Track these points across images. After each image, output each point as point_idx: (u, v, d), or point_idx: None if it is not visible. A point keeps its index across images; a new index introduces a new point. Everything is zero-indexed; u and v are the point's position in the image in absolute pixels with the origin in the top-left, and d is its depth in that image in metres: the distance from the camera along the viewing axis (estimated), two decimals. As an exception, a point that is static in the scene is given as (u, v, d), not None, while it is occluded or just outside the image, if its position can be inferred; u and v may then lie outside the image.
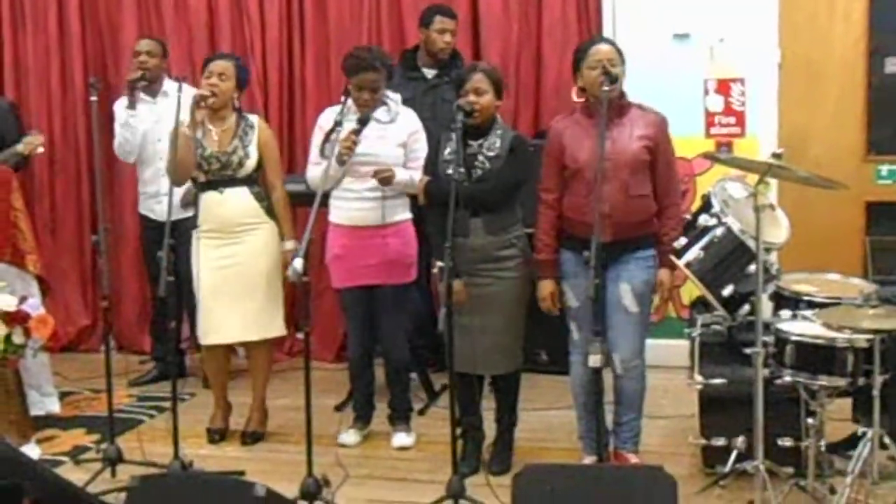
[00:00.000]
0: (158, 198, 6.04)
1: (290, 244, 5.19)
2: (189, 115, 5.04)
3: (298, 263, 4.29)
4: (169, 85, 6.08)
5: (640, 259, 4.56)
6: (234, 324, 5.22)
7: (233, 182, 5.17)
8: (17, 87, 7.13)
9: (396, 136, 5.10)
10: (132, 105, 5.98)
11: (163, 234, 4.78)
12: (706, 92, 6.17)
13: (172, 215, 4.86)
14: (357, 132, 4.90)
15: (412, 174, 5.01)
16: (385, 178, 4.96)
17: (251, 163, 5.18)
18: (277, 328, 5.33)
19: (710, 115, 6.18)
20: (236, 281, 5.16)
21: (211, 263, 5.17)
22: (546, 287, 4.64)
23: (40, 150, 5.99)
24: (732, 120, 6.15)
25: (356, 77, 5.02)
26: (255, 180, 5.23)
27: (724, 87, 6.15)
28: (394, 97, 5.19)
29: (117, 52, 7.01)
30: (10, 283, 5.43)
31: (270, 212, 5.23)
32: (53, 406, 5.82)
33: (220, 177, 5.16)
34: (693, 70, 6.16)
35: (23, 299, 5.11)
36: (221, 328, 5.23)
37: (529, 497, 3.34)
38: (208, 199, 5.18)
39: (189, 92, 5.17)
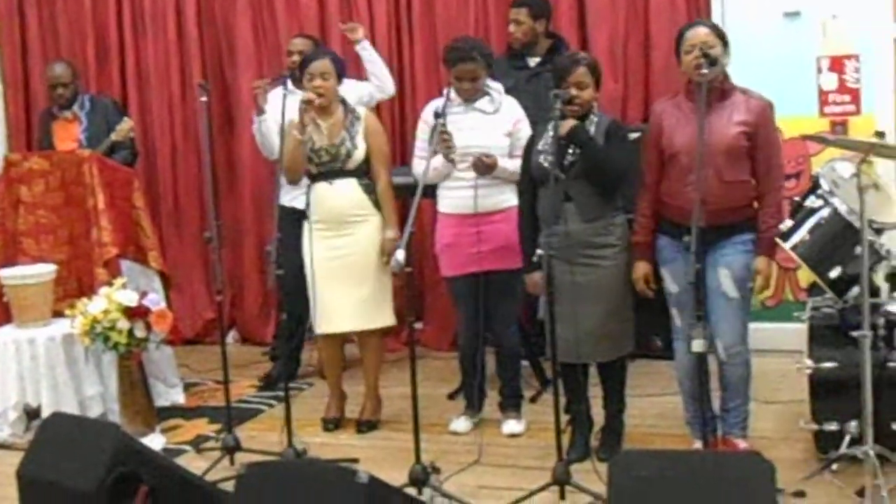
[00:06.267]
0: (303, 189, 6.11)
1: (390, 232, 5.27)
2: (298, 117, 5.13)
3: (400, 255, 4.34)
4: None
5: (737, 244, 4.49)
6: (345, 314, 5.31)
7: (342, 174, 5.25)
8: (139, 91, 7.41)
9: (502, 125, 5.16)
10: (260, 111, 5.97)
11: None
12: (819, 70, 6.05)
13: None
14: (444, 130, 4.91)
15: (516, 163, 5.04)
16: (485, 167, 5.02)
17: (359, 154, 5.25)
18: (387, 318, 5.40)
19: (823, 94, 6.06)
20: (346, 272, 5.25)
21: (322, 254, 5.27)
22: (640, 268, 4.63)
23: (131, 134, 6.19)
24: (847, 98, 6.02)
25: (455, 68, 5.11)
26: (365, 172, 5.31)
27: (837, 64, 6.01)
28: (496, 87, 5.23)
29: (233, 52, 7.21)
30: (134, 279, 5.65)
31: (378, 204, 5.30)
32: (178, 397, 6.04)
33: (329, 168, 5.25)
34: (805, 48, 6.05)
35: (143, 294, 5.30)
36: (334, 318, 5.33)
37: (625, 483, 3.34)
38: (319, 190, 5.28)
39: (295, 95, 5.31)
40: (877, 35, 5.95)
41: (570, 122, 4.60)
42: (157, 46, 7.33)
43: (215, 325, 7.39)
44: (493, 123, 5.16)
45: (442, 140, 4.93)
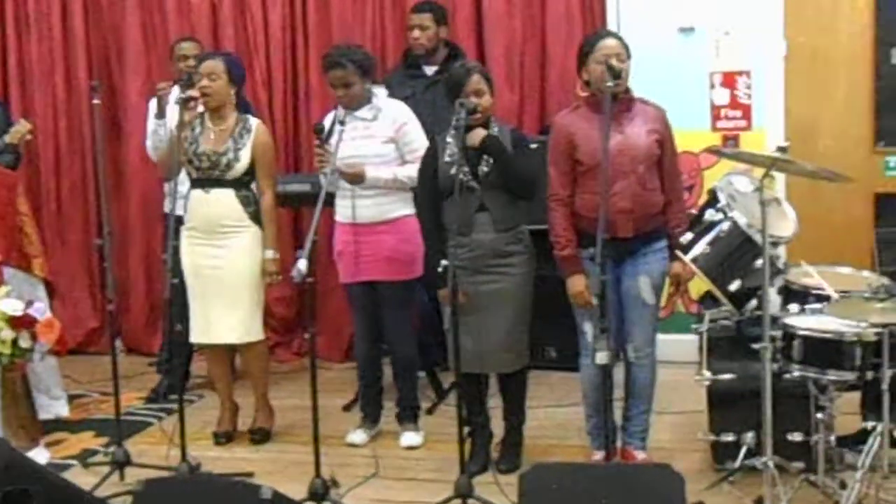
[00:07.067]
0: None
1: (270, 253, 5.17)
2: (178, 115, 5.03)
3: (303, 264, 4.27)
4: None
5: (657, 251, 4.58)
6: (217, 326, 5.22)
7: (220, 183, 5.14)
8: (22, 91, 7.12)
9: (381, 132, 5.08)
10: (161, 114, 5.78)
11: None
12: (712, 85, 6.14)
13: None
14: (318, 145, 4.85)
15: (400, 171, 5.01)
16: (349, 176, 4.95)
17: (240, 166, 5.13)
18: (255, 334, 5.28)
19: (716, 109, 6.15)
20: (218, 284, 5.15)
21: (195, 261, 5.18)
22: (578, 282, 4.54)
23: (28, 137, 5.88)
24: (739, 113, 6.12)
25: (327, 75, 5.07)
26: (245, 184, 5.18)
27: (729, 80, 6.12)
28: (378, 92, 5.17)
29: (121, 55, 7.00)
30: (17, 287, 5.41)
31: (255, 217, 5.17)
32: (62, 409, 5.82)
33: (208, 175, 5.13)
34: (699, 63, 6.13)
35: (29, 303, 5.10)
36: (207, 329, 5.24)
37: (536, 496, 3.33)
38: (195, 196, 5.17)
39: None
40: (768, 52, 6.06)
41: (480, 132, 4.58)
42: (41, 46, 7.05)
43: (99, 335, 7.20)
44: (371, 131, 5.08)
45: (316, 155, 4.88)
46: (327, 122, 5.09)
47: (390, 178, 5.02)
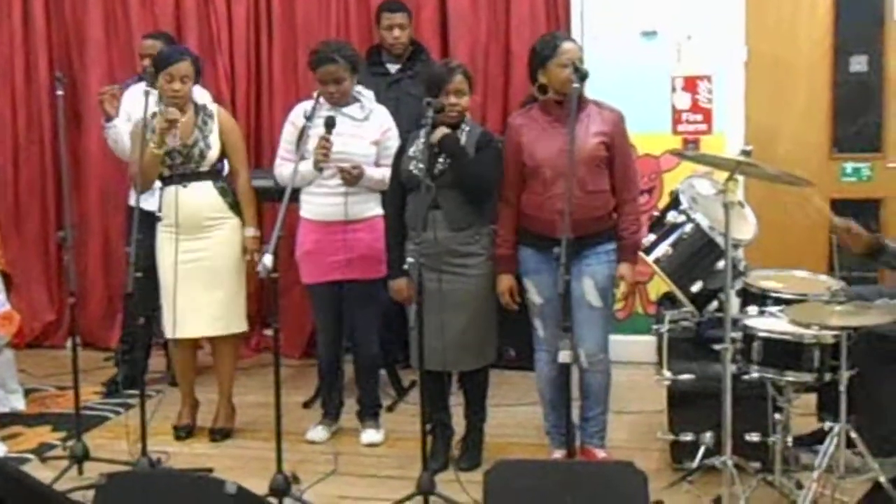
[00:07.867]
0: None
1: (251, 230, 5.18)
2: (158, 131, 4.96)
3: (268, 259, 4.26)
4: None
5: (601, 254, 4.58)
6: (197, 319, 5.18)
7: (196, 176, 5.12)
8: (-20, 81, 7.05)
9: (370, 133, 5.09)
10: (108, 118, 5.77)
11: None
12: (673, 89, 6.20)
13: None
14: (327, 138, 4.83)
15: (384, 172, 5.01)
16: (351, 178, 4.96)
17: (213, 153, 5.13)
18: (240, 324, 5.30)
19: (677, 113, 6.21)
20: (200, 276, 5.12)
21: (174, 258, 5.12)
22: (505, 281, 4.64)
23: None
24: (699, 117, 6.18)
25: (318, 71, 5.04)
26: (220, 174, 5.19)
27: (691, 84, 6.18)
28: (367, 94, 5.19)
29: (82, 47, 6.94)
30: (-27, 279, 5.38)
31: (235, 207, 5.18)
32: (18, 403, 5.76)
33: (183, 170, 5.11)
34: (660, 67, 6.19)
35: (-14, 295, 5.06)
36: (186, 323, 5.18)
37: (501, 493, 3.35)
38: (172, 192, 5.12)
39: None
40: (728, 57, 6.14)
41: (441, 131, 4.59)
42: (0, 38, 6.99)
43: (55, 328, 7.14)
44: (361, 131, 5.09)
45: (321, 147, 4.84)
46: (297, 116, 5.07)
47: (380, 179, 5.02)
